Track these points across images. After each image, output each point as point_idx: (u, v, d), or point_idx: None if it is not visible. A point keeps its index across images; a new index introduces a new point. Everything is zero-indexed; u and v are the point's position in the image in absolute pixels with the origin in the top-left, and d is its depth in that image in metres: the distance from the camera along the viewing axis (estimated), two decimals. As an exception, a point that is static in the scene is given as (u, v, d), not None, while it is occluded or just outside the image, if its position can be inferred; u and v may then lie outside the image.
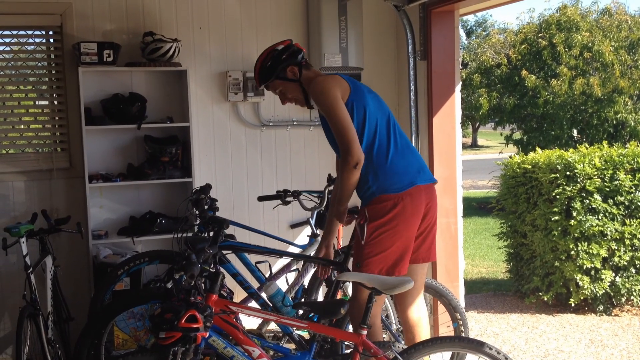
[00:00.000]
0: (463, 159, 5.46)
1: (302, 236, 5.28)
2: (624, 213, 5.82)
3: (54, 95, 4.98)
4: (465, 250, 9.53)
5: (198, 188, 4.52)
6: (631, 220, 5.81)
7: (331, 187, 4.57)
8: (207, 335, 2.77)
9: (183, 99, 4.96)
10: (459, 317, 4.17)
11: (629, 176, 5.83)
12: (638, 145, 6.32)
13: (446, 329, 4.42)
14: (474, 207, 13.60)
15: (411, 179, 3.34)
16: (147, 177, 4.78)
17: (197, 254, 2.85)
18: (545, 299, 6.05)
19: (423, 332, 3.49)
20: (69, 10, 4.79)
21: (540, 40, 13.18)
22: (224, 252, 4.07)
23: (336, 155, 3.60)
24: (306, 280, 4.48)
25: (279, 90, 3.55)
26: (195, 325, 2.64)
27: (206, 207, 4.15)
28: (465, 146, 31.81)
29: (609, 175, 5.80)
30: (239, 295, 4.35)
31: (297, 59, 3.47)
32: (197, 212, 4.17)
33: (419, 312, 3.52)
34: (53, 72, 4.94)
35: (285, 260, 4.54)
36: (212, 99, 5.17)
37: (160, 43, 4.74)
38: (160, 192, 5.03)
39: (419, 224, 3.37)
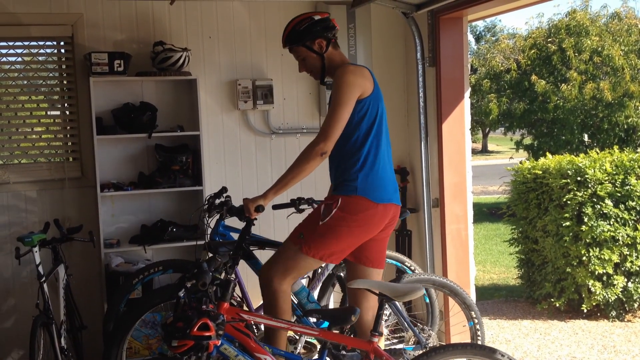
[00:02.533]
0: (473, 164, 5.46)
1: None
2: (635, 218, 5.79)
3: (66, 105, 5.02)
4: (476, 256, 9.51)
5: (212, 194, 4.55)
6: (643, 225, 5.78)
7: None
8: (219, 343, 2.79)
9: (193, 107, 4.99)
10: (474, 316, 4.19)
11: (642, 181, 5.80)
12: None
13: (462, 329, 4.42)
14: (485, 213, 13.57)
15: (390, 196, 3.47)
16: (158, 186, 4.81)
17: (209, 262, 2.86)
18: (557, 305, 6.02)
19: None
20: (80, 20, 4.84)
21: (549, 45, 13.15)
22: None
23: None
24: (318, 288, 4.48)
25: (301, 57, 3.59)
26: (207, 334, 2.65)
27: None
28: (475, 151, 31.73)
29: (620, 180, 5.77)
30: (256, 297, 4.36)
31: (329, 35, 3.52)
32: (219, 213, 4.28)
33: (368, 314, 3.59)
34: (64, 82, 4.98)
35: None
36: (221, 107, 5.20)
37: (170, 52, 4.77)
38: (171, 200, 5.06)
39: (373, 235, 3.47)
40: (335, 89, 3.38)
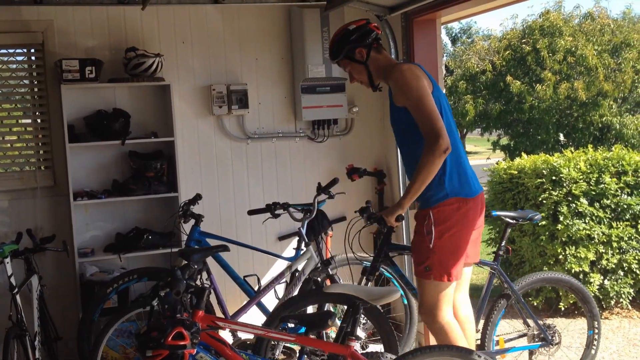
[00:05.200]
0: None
1: (290, 249, 5.25)
2: (610, 216, 5.84)
3: (37, 113, 4.96)
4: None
5: (187, 200, 4.54)
6: (618, 223, 5.83)
7: (320, 197, 4.58)
8: (195, 352, 2.75)
9: (167, 113, 4.95)
10: (596, 326, 4.25)
11: (615, 179, 5.85)
12: (623, 149, 6.36)
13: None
14: (464, 214, 13.61)
15: (476, 187, 3.45)
16: (132, 193, 4.76)
17: (183, 269, 2.83)
18: (535, 303, 6.06)
19: (471, 329, 3.67)
20: (50, 27, 4.78)
21: (524, 45, 13.30)
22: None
23: (401, 148, 3.63)
24: (295, 292, 4.47)
25: (347, 70, 3.59)
26: (182, 343, 2.62)
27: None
28: (453, 152, 31.86)
29: (594, 179, 5.82)
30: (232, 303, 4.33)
31: (367, 41, 3.47)
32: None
33: (467, 309, 3.67)
34: (35, 89, 4.92)
35: (273, 273, 4.53)
36: (196, 113, 5.16)
37: (143, 58, 4.73)
38: (146, 207, 5.01)
39: (474, 229, 3.47)
40: (404, 93, 3.32)
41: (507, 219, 4.20)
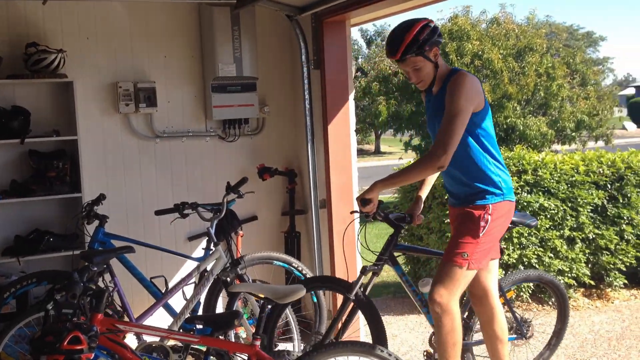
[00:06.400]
0: (367, 165, 5.60)
1: (199, 249, 5.19)
2: (511, 213, 6.09)
3: None
4: (367, 254, 9.71)
5: (90, 201, 4.41)
6: (518, 219, 6.09)
7: (229, 196, 4.55)
8: (93, 356, 2.68)
9: (70, 111, 4.79)
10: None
11: (515, 178, 6.11)
12: (523, 149, 6.65)
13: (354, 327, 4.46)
14: (378, 213, 13.84)
15: (513, 191, 3.63)
16: (32, 194, 4.58)
17: (81, 272, 2.75)
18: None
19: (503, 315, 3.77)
20: (-57, 20, 4.53)
21: (434, 49, 13.64)
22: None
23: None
24: (204, 293, 4.42)
25: (417, 67, 3.41)
26: (79, 347, 2.54)
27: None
28: (368, 153, 32.40)
29: (497, 177, 6.05)
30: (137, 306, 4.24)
31: (440, 41, 3.43)
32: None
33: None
34: None
35: (182, 274, 4.47)
36: (101, 110, 5.02)
37: (45, 54, 4.56)
38: (48, 208, 4.83)
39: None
40: (453, 95, 3.28)
41: None
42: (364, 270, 3.77)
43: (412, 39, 3.32)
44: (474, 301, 3.75)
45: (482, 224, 3.43)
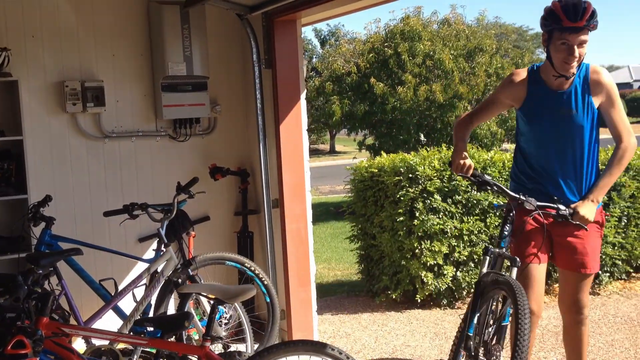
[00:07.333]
0: (322, 164, 5.61)
1: (150, 251, 5.13)
2: (462, 211, 6.20)
3: None
4: (322, 254, 9.76)
5: (36, 203, 4.32)
6: (468, 217, 6.21)
7: (180, 196, 4.51)
8: (38, 360, 2.62)
9: (15, 111, 4.67)
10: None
11: (465, 176, 6.22)
12: (473, 147, 6.77)
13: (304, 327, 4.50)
14: (332, 212, 13.88)
15: None
16: (-25, 196, 4.45)
17: (26, 275, 2.69)
18: (394, 297, 6.31)
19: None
20: None
21: (386, 49, 13.77)
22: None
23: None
24: (155, 295, 4.37)
25: (583, 42, 3.27)
26: (23, 351, 2.48)
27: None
28: (323, 152, 32.51)
29: (447, 176, 6.16)
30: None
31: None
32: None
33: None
34: None
35: (132, 276, 4.41)
36: (48, 110, 4.91)
37: (-13, 52, 4.44)
38: (-8, 211, 4.70)
39: None
40: (610, 91, 3.39)
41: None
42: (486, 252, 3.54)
43: (594, 10, 3.22)
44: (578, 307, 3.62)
45: (600, 229, 3.58)
